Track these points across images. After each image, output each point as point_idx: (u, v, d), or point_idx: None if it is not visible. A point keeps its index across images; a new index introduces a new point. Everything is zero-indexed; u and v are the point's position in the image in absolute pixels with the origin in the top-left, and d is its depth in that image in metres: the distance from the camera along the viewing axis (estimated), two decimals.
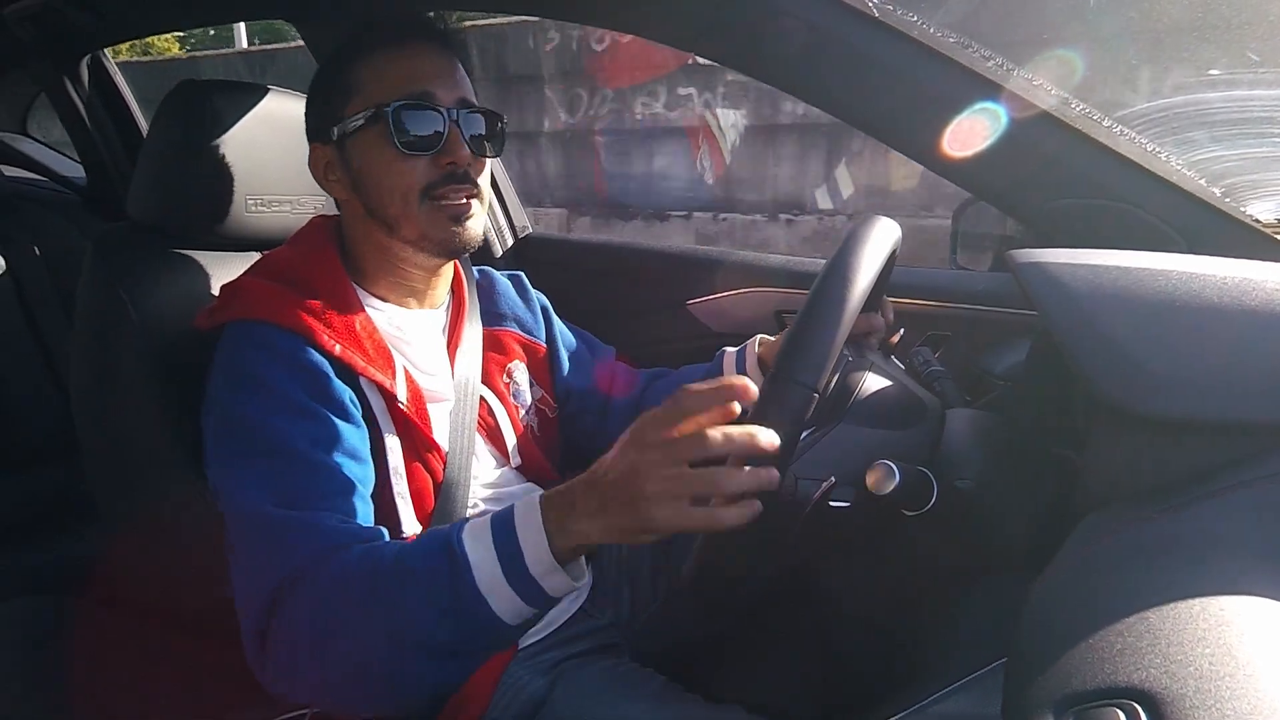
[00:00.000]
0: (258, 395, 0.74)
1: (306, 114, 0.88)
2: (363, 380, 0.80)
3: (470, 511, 0.88)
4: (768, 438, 0.54)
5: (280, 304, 0.78)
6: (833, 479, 0.66)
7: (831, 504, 0.66)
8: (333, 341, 0.78)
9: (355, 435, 0.76)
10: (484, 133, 0.85)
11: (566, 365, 1.08)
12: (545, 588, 0.61)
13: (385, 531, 0.73)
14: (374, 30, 0.84)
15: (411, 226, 0.82)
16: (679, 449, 0.55)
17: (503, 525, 0.62)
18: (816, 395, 0.58)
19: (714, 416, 0.55)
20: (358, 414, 0.78)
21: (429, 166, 0.81)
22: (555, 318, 1.11)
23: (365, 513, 0.73)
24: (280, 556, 0.67)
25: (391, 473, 0.81)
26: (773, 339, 0.98)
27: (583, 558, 0.63)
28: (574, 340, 1.12)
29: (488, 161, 0.87)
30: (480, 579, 0.61)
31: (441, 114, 0.80)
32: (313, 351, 0.77)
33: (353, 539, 0.68)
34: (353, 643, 0.64)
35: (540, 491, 0.64)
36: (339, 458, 0.73)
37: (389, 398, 0.81)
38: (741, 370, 1.00)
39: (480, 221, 0.86)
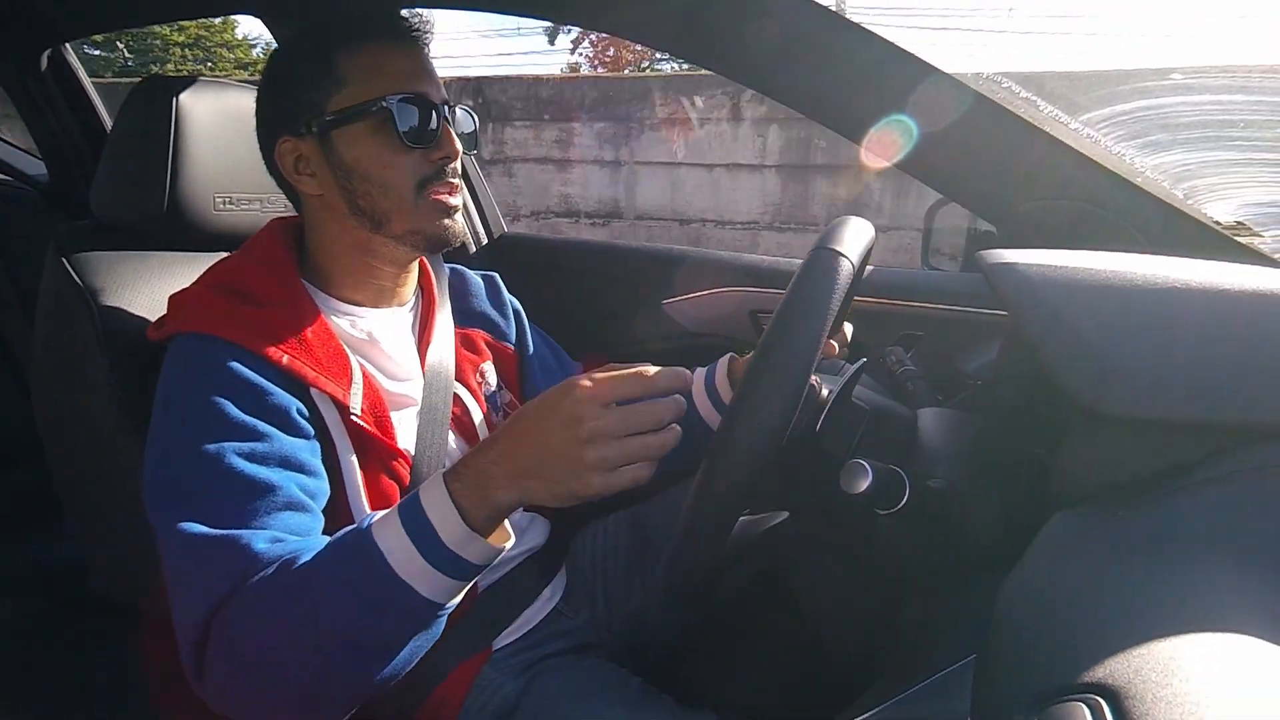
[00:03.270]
0: (193, 413, 0.71)
1: (268, 107, 0.85)
2: (314, 391, 0.77)
3: None
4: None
5: (224, 315, 0.76)
6: (864, 360, 0.69)
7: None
8: (280, 352, 0.75)
9: (301, 447, 0.73)
10: (468, 129, 0.87)
11: (536, 374, 1.07)
12: (469, 559, 0.61)
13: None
14: (356, 23, 0.83)
15: (403, 221, 0.82)
16: (634, 419, 0.58)
17: (410, 508, 0.61)
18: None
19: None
20: (305, 425, 0.75)
21: (422, 161, 0.81)
22: (528, 324, 1.09)
23: (308, 526, 0.69)
24: (211, 581, 0.63)
25: (347, 485, 0.78)
26: (742, 358, 0.99)
27: (506, 521, 0.64)
28: (545, 351, 1.10)
29: (468, 156, 0.88)
30: (398, 566, 0.59)
31: (436, 109, 0.81)
32: (256, 364, 0.74)
33: (285, 558, 0.65)
34: (285, 657, 0.61)
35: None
36: (279, 472, 0.70)
37: (342, 409, 0.78)
38: (712, 391, 1.00)
39: (462, 215, 0.86)
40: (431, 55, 0.87)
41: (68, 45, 1.54)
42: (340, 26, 0.83)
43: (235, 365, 0.73)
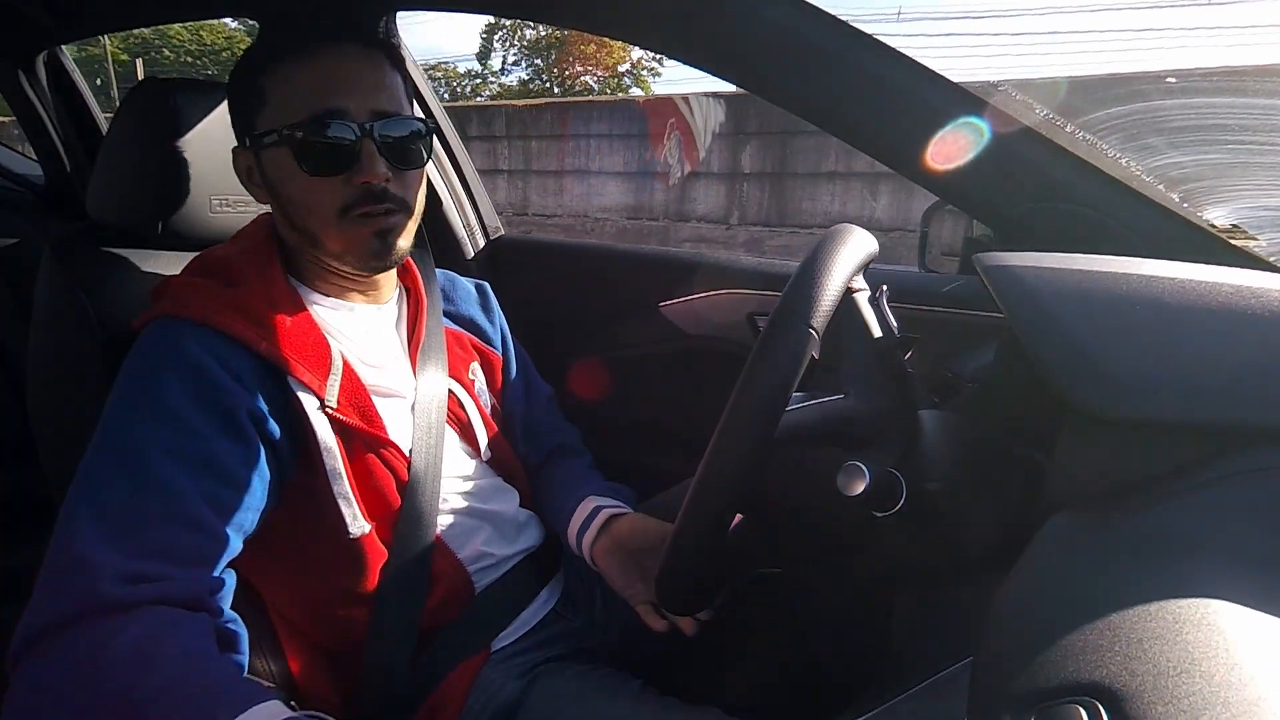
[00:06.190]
0: (140, 391, 0.70)
1: (230, 114, 0.84)
2: (292, 380, 0.76)
3: (442, 506, 0.87)
4: None
5: (204, 301, 0.75)
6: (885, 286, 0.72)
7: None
8: (258, 338, 0.74)
9: (232, 453, 0.70)
10: (406, 144, 0.80)
11: (512, 394, 1.07)
12: None
13: (208, 577, 0.66)
14: (283, 34, 0.79)
15: (333, 242, 0.80)
16: None
17: None
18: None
19: None
20: (251, 429, 0.72)
21: (343, 185, 0.77)
22: (512, 342, 1.10)
23: (194, 550, 0.65)
24: (54, 598, 0.59)
25: (330, 474, 0.77)
26: (629, 517, 0.96)
27: None
28: (520, 377, 1.10)
29: (415, 173, 0.82)
30: None
31: (353, 130, 0.75)
32: (228, 350, 0.73)
33: (156, 597, 0.61)
34: None
35: None
36: (195, 478, 0.67)
37: (321, 398, 0.77)
38: (579, 544, 0.96)
39: (407, 235, 0.83)
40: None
41: (63, 48, 1.54)
42: (266, 39, 0.81)
43: (199, 353, 0.71)
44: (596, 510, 0.97)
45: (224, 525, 0.68)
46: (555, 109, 8.77)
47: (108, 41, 21.89)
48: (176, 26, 26.26)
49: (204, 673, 0.59)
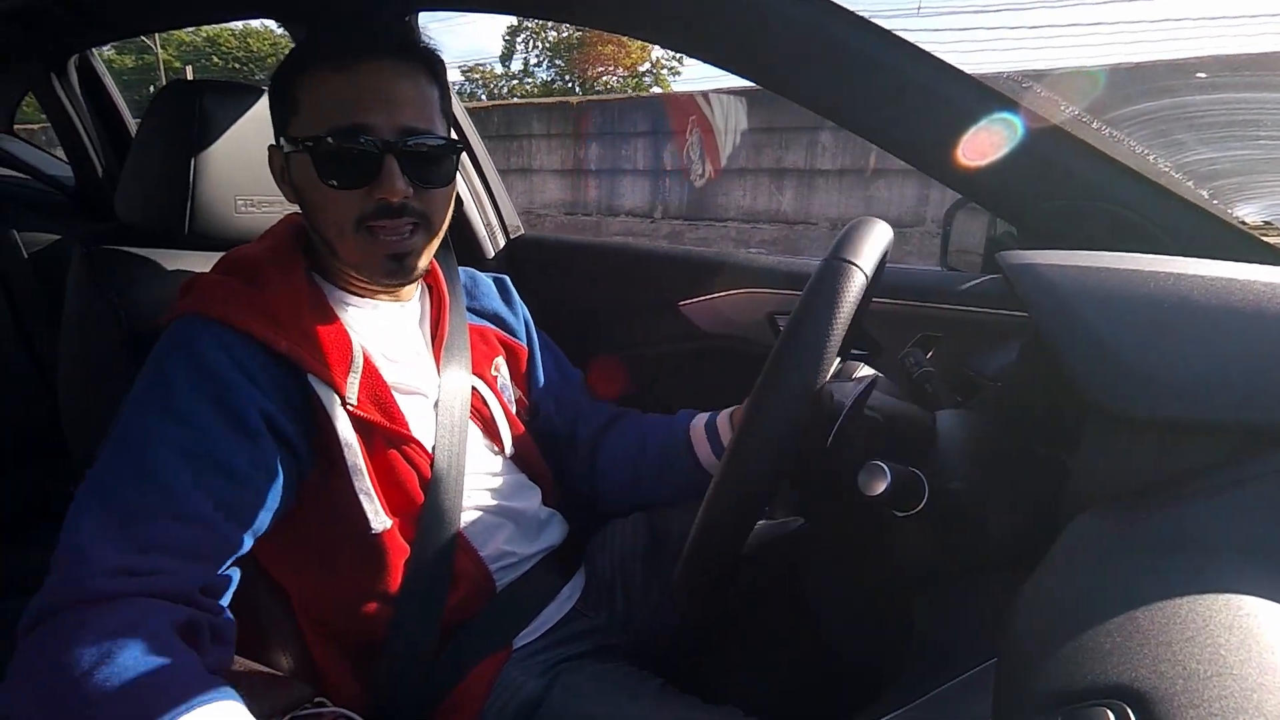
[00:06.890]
0: (152, 395, 0.70)
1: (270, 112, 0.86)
2: (311, 378, 0.77)
3: (465, 504, 0.88)
4: None
5: (225, 299, 0.76)
6: (877, 375, 0.71)
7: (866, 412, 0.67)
8: (278, 337, 0.75)
9: (236, 452, 0.70)
10: (431, 162, 0.80)
11: (541, 381, 1.08)
12: None
13: (203, 574, 0.66)
14: (318, 44, 0.79)
15: (348, 252, 0.81)
16: None
17: None
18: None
19: None
20: (264, 429, 0.73)
21: (363, 198, 0.78)
22: (535, 331, 1.11)
23: (186, 544, 0.65)
24: (53, 585, 0.61)
25: (351, 471, 0.78)
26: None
27: None
28: (551, 360, 1.11)
29: (440, 191, 0.82)
30: None
31: (376, 146, 0.76)
32: (248, 349, 0.74)
33: (141, 590, 0.61)
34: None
35: None
36: (198, 474, 0.67)
37: (342, 395, 0.78)
38: (713, 432, 0.99)
39: (425, 252, 0.83)
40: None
41: (94, 50, 1.56)
42: (303, 47, 0.81)
43: (214, 352, 0.72)
44: (711, 420, 1.00)
45: (228, 524, 0.69)
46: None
47: (160, 51, 22.39)
48: (226, 34, 26.84)
49: (167, 666, 0.58)
